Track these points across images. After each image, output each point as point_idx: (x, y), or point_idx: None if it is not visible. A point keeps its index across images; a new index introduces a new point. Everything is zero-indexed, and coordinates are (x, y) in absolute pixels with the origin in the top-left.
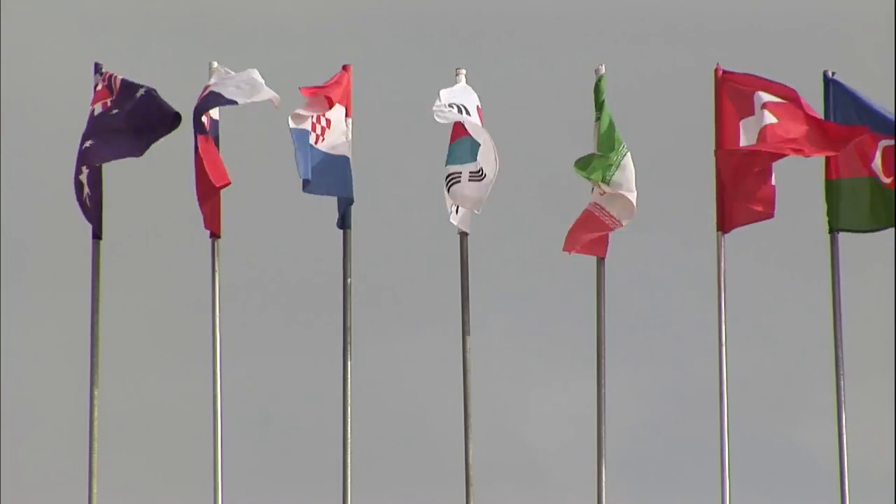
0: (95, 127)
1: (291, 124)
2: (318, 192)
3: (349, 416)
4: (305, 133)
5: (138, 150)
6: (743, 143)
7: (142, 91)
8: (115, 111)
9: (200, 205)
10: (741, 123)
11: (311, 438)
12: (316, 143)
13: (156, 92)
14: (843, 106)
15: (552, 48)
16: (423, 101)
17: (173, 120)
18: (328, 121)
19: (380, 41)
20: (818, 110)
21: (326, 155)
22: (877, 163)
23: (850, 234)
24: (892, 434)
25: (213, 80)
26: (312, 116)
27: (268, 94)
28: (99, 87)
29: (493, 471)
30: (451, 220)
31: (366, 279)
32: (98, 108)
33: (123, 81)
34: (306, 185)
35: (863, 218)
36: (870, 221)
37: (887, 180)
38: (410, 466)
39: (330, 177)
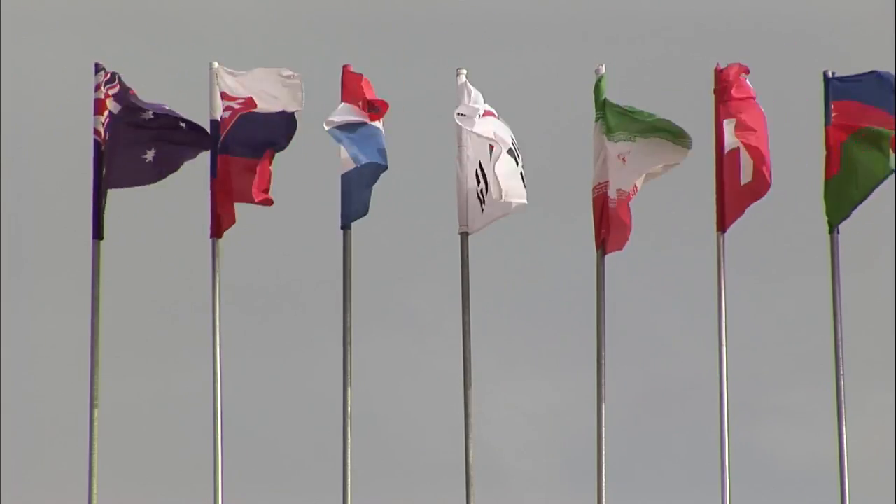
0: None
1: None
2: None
3: (349, 417)
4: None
5: (155, 177)
6: (727, 142)
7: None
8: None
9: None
10: (724, 123)
11: (310, 439)
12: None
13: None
14: (844, 98)
15: (552, 48)
16: (424, 100)
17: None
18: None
19: (380, 41)
20: (818, 110)
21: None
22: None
23: (849, 233)
24: (893, 434)
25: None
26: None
27: None
28: (103, 93)
29: (456, 470)
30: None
31: (366, 279)
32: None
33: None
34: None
35: (856, 192)
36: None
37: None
38: (410, 466)
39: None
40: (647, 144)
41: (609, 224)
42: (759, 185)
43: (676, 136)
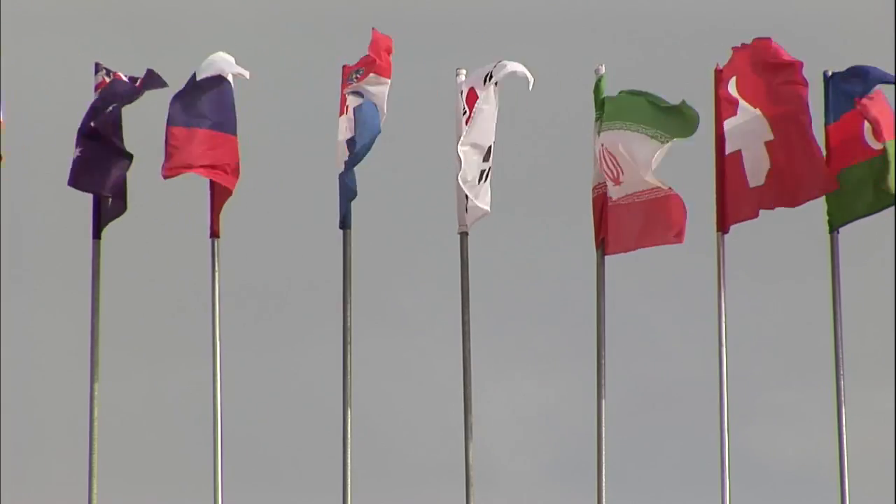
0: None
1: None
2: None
3: (349, 416)
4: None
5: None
6: (727, 143)
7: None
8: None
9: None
10: (725, 123)
11: (311, 438)
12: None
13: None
14: (843, 97)
15: (552, 48)
16: (424, 100)
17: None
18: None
19: None
20: (818, 111)
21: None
22: (867, 134)
23: (849, 233)
24: (892, 435)
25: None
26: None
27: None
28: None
29: (453, 470)
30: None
31: (365, 279)
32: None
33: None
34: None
35: (862, 203)
36: (869, 206)
37: (879, 146)
38: (409, 467)
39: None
40: (636, 136)
41: (609, 223)
42: (777, 193)
43: (666, 128)
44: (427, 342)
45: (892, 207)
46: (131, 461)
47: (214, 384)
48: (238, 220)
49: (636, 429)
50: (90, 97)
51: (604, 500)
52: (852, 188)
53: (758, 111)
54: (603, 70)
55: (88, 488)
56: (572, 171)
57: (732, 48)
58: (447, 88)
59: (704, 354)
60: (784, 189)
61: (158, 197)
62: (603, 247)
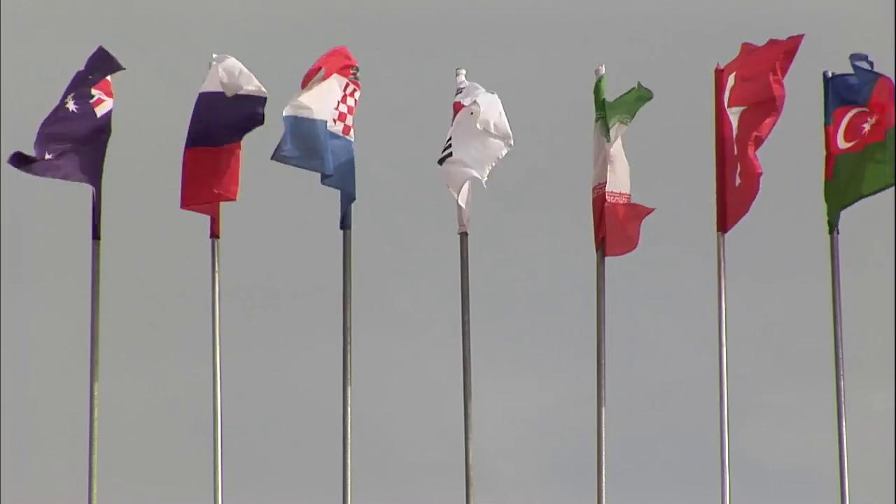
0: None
1: (293, 112)
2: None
3: (349, 416)
4: (323, 123)
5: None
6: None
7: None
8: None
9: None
10: (729, 112)
11: (311, 438)
12: (344, 133)
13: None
14: (839, 98)
15: (552, 48)
16: (424, 100)
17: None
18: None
19: (380, 41)
20: (818, 110)
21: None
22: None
23: (849, 233)
24: (893, 435)
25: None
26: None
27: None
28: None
29: (439, 471)
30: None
31: (365, 279)
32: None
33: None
34: (325, 179)
35: (853, 190)
36: (859, 190)
37: (847, 145)
38: (410, 466)
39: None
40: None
41: (608, 225)
42: (748, 186)
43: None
44: (426, 342)
45: (887, 194)
46: (131, 461)
47: (214, 384)
48: (238, 221)
49: (636, 429)
50: None
51: (603, 500)
52: (844, 177)
53: (740, 108)
54: (603, 70)
55: (88, 488)
56: (572, 171)
57: (743, 44)
58: (447, 88)
59: (704, 354)
60: (746, 190)
61: (158, 197)
62: (603, 247)
